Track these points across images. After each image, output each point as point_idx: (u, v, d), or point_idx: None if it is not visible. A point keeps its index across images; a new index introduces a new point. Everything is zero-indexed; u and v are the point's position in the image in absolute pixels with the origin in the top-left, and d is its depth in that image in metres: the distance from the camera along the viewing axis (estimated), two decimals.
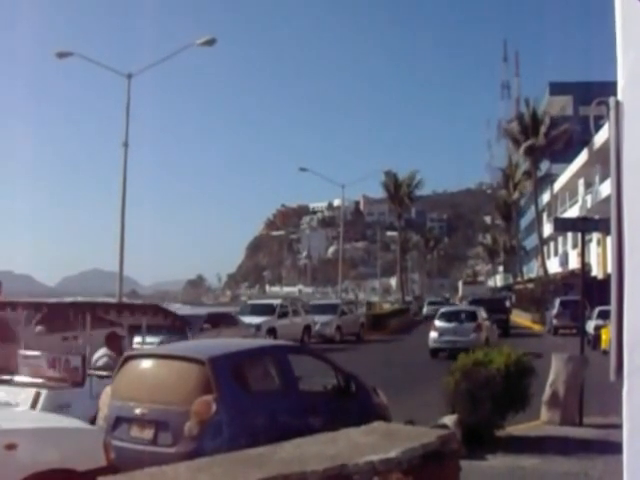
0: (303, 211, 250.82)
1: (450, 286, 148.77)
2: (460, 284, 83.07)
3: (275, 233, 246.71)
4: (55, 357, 9.37)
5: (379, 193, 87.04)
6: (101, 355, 10.54)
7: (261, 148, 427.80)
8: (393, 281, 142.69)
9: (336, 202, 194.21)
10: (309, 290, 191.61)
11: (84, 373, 9.30)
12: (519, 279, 72.90)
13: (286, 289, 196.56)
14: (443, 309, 31.03)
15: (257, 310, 31.34)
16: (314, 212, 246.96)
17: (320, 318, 33.50)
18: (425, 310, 61.64)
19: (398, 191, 73.84)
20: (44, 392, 8.92)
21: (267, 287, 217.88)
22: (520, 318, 53.10)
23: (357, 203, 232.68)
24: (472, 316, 26.81)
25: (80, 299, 15.84)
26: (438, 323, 26.69)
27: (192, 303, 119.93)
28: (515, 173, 71.79)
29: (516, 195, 72.21)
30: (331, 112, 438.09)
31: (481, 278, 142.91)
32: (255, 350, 8.73)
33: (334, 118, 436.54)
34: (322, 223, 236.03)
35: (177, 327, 12.84)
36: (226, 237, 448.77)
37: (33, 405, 8.64)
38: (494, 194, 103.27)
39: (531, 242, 74.14)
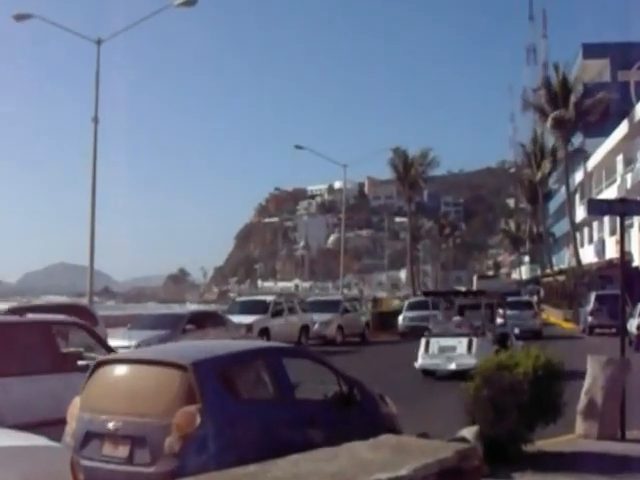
0: (300, 195, 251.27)
1: (467, 279, 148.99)
2: (475, 278, 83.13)
3: (268, 220, 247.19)
4: (461, 321, 21.71)
5: (386, 174, 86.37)
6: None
7: (251, 124, 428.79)
8: (403, 274, 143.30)
9: (337, 184, 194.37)
10: (307, 285, 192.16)
11: (483, 328, 20.96)
12: (548, 271, 72.95)
13: (281, 284, 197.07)
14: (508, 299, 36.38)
15: (248, 308, 31.44)
16: (312, 196, 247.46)
17: (319, 317, 33.59)
18: (402, 320, 38.77)
19: (408, 171, 73.71)
20: (475, 339, 20.09)
21: (259, 282, 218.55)
22: (550, 315, 53.22)
23: (361, 185, 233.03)
24: (530, 305, 38.41)
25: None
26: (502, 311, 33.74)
27: (172, 301, 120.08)
28: (542, 149, 71.68)
29: (540, 175, 71.94)
30: (331, 82, 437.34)
31: (504, 270, 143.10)
32: (245, 353, 8.69)
33: (334, 89, 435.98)
34: (321, 208, 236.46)
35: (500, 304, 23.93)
36: (212, 226, 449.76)
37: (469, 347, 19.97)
38: (518, 173, 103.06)
39: (561, 228, 74.16)
